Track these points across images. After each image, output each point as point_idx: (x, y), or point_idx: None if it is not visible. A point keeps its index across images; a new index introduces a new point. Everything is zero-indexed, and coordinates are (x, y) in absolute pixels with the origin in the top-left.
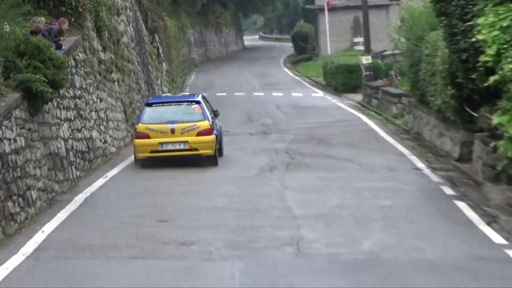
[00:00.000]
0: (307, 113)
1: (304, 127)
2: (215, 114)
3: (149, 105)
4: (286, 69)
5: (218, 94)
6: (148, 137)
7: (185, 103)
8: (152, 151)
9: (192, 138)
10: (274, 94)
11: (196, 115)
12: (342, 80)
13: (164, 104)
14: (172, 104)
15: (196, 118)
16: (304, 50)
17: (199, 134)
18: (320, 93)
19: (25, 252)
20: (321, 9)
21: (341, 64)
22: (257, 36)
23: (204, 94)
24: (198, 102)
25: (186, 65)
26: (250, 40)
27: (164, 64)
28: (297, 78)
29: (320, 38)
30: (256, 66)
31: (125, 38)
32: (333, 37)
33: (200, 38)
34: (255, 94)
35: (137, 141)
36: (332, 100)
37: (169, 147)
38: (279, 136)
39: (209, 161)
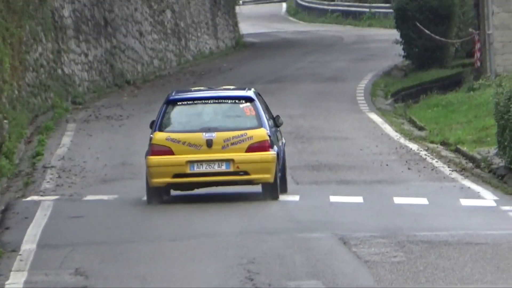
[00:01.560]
0: (450, 276)
1: None
2: (275, 122)
3: (172, 102)
4: (375, 117)
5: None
6: (170, 152)
7: (230, 101)
8: (176, 175)
9: (240, 155)
10: (334, 198)
11: (246, 119)
12: None
13: (195, 102)
14: (209, 101)
15: (246, 124)
16: (437, 53)
17: (251, 149)
18: (487, 198)
19: None
20: None
21: None
22: (284, 8)
23: None
24: (249, 99)
25: (43, 103)
26: (264, 16)
27: None
28: (411, 146)
29: (490, 17)
30: (280, 103)
31: None
32: None
33: (96, 13)
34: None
35: (152, 158)
36: None
37: (203, 168)
38: None
39: (266, 192)
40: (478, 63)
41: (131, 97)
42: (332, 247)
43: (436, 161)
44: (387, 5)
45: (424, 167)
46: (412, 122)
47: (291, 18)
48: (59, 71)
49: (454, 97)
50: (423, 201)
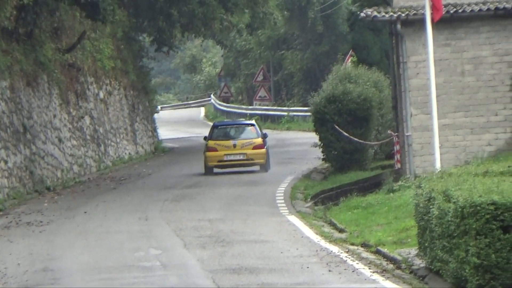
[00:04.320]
0: None
1: None
2: (264, 136)
3: (216, 127)
4: (294, 220)
5: None
6: (216, 150)
7: (243, 126)
8: (219, 161)
9: (249, 151)
10: None
11: (251, 133)
12: (482, 256)
13: (227, 126)
14: (234, 126)
15: (251, 136)
16: (356, 156)
17: (254, 147)
18: None
19: None
20: (413, 25)
21: (476, 204)
22: (202, 112)
23: None
24: (253, 125)
25: None
26: (182, 121)
27: None
28: (332, 248)
29: (409, 119)
30: (200, 208)
31: None
32: (448, 113)
33: (15, 120)
34: None
35: (208, 153)
36: None
37: (231, 157)
38: None
39: (261, 168)
40: (398, 165)
41: (51, 203)
42: None
43: (357, 263)
44: (306, 108)
45: (345, 269)
46: (332, 224)
47: (209, 123)
48: None
49: (374, 199)
50: None
